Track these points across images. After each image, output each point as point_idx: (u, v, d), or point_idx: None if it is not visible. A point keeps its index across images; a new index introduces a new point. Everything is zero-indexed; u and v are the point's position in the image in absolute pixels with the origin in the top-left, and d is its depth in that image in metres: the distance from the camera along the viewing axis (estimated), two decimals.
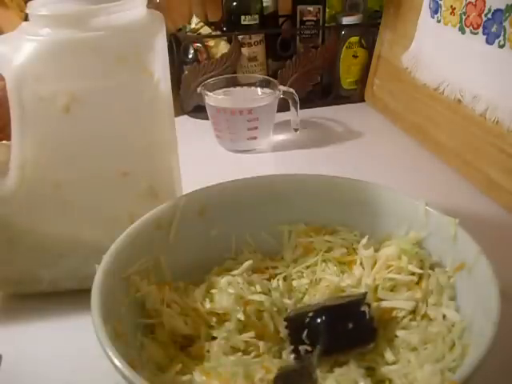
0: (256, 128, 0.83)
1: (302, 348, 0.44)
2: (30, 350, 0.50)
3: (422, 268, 0.49)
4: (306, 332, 0.44)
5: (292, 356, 0.45)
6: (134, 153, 0.52)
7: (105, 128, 0.50)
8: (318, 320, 0.44)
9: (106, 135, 0.51)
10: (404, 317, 0.47)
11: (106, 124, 0.50)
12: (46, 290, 0.55)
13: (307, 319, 0.44)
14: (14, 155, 0.50)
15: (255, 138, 0.84)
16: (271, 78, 0.87)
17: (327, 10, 0.98)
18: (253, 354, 0.45)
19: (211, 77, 0.92)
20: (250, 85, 0.87)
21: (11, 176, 0.50)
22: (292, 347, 0.45)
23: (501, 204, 0.67)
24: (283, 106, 0.87)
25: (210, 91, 0.84)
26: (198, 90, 0.84)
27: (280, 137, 0.88)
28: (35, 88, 0.47)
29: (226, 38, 0.95)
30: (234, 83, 0.88)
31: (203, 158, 0.83)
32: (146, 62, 0.50)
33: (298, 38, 1.00)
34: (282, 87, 0.85)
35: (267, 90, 0.85)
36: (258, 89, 0.87)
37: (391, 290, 0.49)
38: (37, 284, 0.55)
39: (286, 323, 0.46)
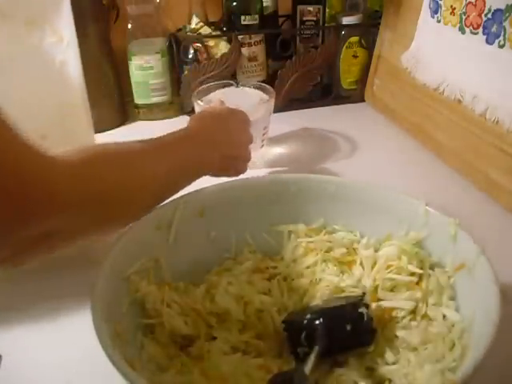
0: (266, 136, 0.80)
1: (300, 350, 0.44)
2: (30, 350, 0.50)
3: (422, 268, 0.49)
4: (304, 334, 0.44)
5: (292, 357, 0.45)
6: (48, 116, 0.52)
7: (19, 92, 0.50)
8: (316, 322, 0.44)
9: (21, 99, 0.50)
10: (404, 317, 0.47)
11: (20, 88, 0.50)
12: None
13: (305, 321, 0.44)
14: None
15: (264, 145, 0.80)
16: (267, 86, 0.82)
17: (327, 10, 0.98)
18: (253, 354, 0.45)
19: (211, 77, 0.92)
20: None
21: None
22: (291, 349, 0.45)
23: (501, 204, 0.67)
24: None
25: (207, 94, 0.80)
26: (193, 96, 0.79)
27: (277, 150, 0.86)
28: None
29: (225, 37, 0.94)
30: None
31: None
32: (55, 26, 0.50)
33: (297, 38, 1.00)
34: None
35: (263, 97, 0.80)
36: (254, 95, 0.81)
37: (391, 290, 0.49)
38: None
39: (284, 325, 0.46)
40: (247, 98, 0.80)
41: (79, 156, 0.42)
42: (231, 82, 0.85)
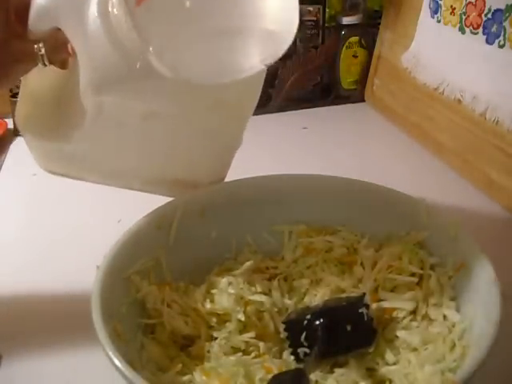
0: None
1: (300, 350, 0.44)
2: (30, 350, 0.50)
3: (422, 268, 0.49)
4: (304, 335, 0.44)
5: (292, 357, 0.45)
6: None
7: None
8: (316, 322, 0.44)
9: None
10: (404, 317, 0.47)
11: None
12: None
13: (305, 322, 0.44)
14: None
15: None
16: None
17: (327, 10, 0.98)
18: (253, 355, 0.45)
19: None
20: None
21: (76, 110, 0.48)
22: (291, 350, 0.45)
23: (501, 204, 0.67)
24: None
25: None
26: None
27: None
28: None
29: None
30: None
31: None
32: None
33: (297, 38, 1.00)
34: None
35: None
36: None
37: (392, 291, 0.49)
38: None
39: (284, 326, 0.46)
40: None
41: None
42: None
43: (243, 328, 0.47)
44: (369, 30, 0.98)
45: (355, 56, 0.98)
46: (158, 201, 0.52)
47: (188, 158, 0.54)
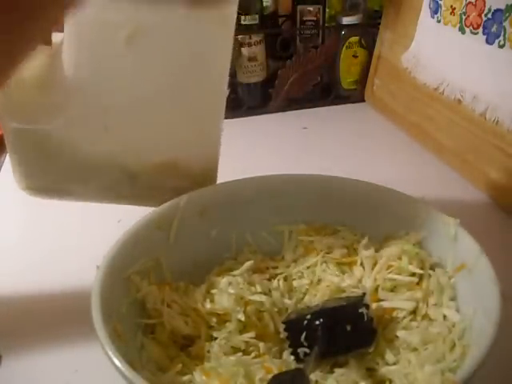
0: None
1: (300, 350, 0.44)
2: (29, 350, 0.50)
3: (422, 268, 0.49)
4: (304, 335, 0.44)
5: (292, 357, 0.45)
6: (184, 101, 0.51)
7: (163, 63, 0.49)
8: (316, 322, 0.44)
9: (163, 70, 0.49)
10: (404, 317, 0.47)
11: (165, 60, 0.49)
12: (74, 200, 0.56)
13: (305, 322, 0.44)
14: (65, 76, 0.48)
15: None
16: None
17: (327, 10, 0.98)
18: (253, 355, 0.45)
19: None
20: None
21: (59, 92, 0.49)
22: (291, 350, 0.45)
23: (501, 204, 0.67)
24: None
25: None
26: None
27: None
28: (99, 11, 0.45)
29: None
30: None
31: None
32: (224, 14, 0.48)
33: (297, 37, 1.00)
34: None
35: None
36: None
37: (392, 291, 0.49)
38: (67, 195, 0.56)
39: (284, 326, 0.46)
40: None
41: None
42: None
43: (243, 328, 0.47)
44: (369, 29, 0.98)
45: (355, 56, 0.98)
46: None
47: (173, 127, 0.53)
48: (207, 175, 0.56)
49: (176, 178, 0.55)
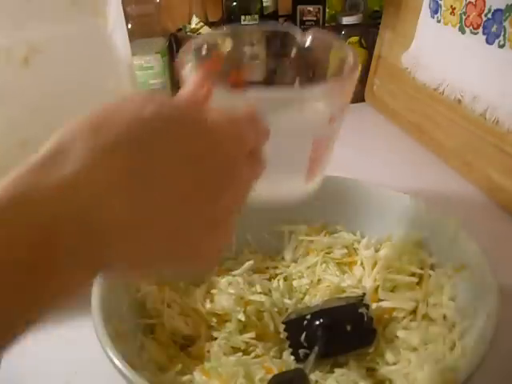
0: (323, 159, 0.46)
1: (300, 350, 0.44)
2: (30, 350, 0.50)
3: (422, 268, 0.49)
4: (304, 335, 0.44)
5: (292, 357, 0.45)
6: (95, 102, 0.51)
7: (66, 78, 0.48)
8: (316, 322, 0.44)
9: (68, 86, 0.49)
10: (404, 317, 0.47)
11: (67, 74, 0.48)
12: None
13: (305, 322, 0.44)
14: None
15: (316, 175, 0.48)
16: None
17: (327, 10, 0.98)
18: (253, 355, 0.45)
19: None
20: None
21: None
22: (291, 350, 0.45)
23: (501, 204, 0.67)
24: None
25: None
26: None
27: None
28: None
29: None
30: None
31: None
32: (99, 5, 0.48)
33: None
34: None
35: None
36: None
37: (391, 291, 0.49)
38: None
39: (284, 326, 0.46)
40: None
41: None
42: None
43: (243, 328, 0.47)
44: (369, 29, 0.97)
45: None
46: None
47: None
48: None
49: None
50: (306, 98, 0.37)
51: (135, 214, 0.24)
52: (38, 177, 0.23)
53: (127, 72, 0.54)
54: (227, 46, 0.38)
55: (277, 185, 0.39)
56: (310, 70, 0.39)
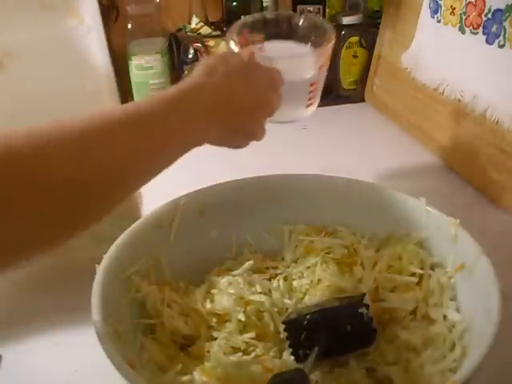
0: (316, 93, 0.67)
1: (300, 350, 0.44)
2: (29, 350, 0.50)
3: (422, 268, 0.49)
4: (304, 335, 0.44)
5: (292, 357, 0.45)
6: (73, 103, 0.50)
7: (42, 81, 0.48)
8: (316, 323, 0.44)
9: (45, 89, 0.48)
10: (404, 317, 0.47)
11: (43, 77, 0.48)
12: None
13: (305, 322, 0.44)
14: None
15: (313, 103, 0.68)
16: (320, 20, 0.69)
17: (327, 10, 0.98)
18: (253, 355, 0.45)
19: None
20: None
21: None
22: (291, 350, 0.45)
23: (501, 204, 0.67)
24: None
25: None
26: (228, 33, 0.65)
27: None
28: None
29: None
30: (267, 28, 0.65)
31: (202, 158, 0.82)
32: (75, 8, 0.48)
33: None
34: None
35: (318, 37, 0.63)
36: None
37: (392, 291, 0.49)
38: None
39: (284, 326, 0.46)
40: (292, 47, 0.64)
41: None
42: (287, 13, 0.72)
43: (243, 328, 0.47)
44: (369, 29, 0.97)
45: (355, 56, 0.98)
46: (158, 200, 0.52)
47: None
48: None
49: None
50: (306, 54, 0.61)
51: (231, 99, 0.47)
52: (205, 79, 0.46)
53: (106, 73, 0.54)
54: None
55: (287, 111, 0.60)
56: (304, 39, 0.61)
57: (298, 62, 0.62)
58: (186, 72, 0.94)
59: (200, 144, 0.45)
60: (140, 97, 0.96)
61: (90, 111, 0.37)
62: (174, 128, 0.42)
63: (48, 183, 0.32)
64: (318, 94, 0.66)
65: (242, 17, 0.92)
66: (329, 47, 0.61)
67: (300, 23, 0.64)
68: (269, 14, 0.66)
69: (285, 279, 0.52)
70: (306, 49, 0.63)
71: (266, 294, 0.50)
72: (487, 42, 0.69)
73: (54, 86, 0.49)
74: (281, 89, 0.52)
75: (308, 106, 0.66)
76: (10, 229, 0.31)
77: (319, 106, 0.98)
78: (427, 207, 0.50)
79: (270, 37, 0.63)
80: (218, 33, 0.96)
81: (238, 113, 0.48)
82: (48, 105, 0.48)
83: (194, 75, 0.47)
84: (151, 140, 0.40)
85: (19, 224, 0.31)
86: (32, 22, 0.47)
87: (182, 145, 0.43)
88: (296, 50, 0.63)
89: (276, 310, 0.48)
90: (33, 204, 0.31)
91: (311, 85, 0.63)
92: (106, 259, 0.45)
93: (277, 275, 0.53)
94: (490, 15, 0.68)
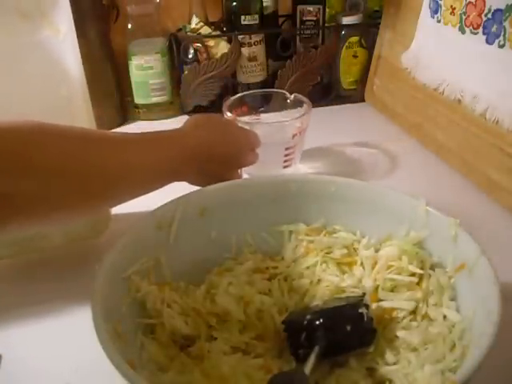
0: (292, 157, 0.75)
1: (300, 350, 0.44)
2: (29, 350, 0.50)
3: (422, 268, 0.49)
4: (304, 335, 0.44)
5: (292, 357, 0.45)
6: (46, 110, 0.51)
7: (14, 86, 0.49)
8: (316, 323, 0.44)
9: (16, 93, 0.50)
10: (404, 317, 0.47)
11: (15, 82, 0.49)
12: None
13: (305, 322, 0.44)
14: None
15: (290, 165, 0.76)
16: (304, 98, 0.77)
17: (327, 10, 0.98)
18: (253, 355, 0.45)
19: (211, 77, 0.92)
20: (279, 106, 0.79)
21: None
22: (291, 350, 0.45)
23: (501, 204, 0.67)
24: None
25: (232, 110, 0.74)
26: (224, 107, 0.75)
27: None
28: None
29: (225, 37, 0.94)
30: (262, 102, 0.81)
31: None
32: (51, 18, 0.50)
33: (297, 37, 1.00)
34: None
35: (299, 111, 0.75)
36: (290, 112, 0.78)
37: (392, 291, 0.49)
38: None
39: (284, 326, 0.46)
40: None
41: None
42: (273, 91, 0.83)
43: (243, 328, 0.47)
44: (369, 30, 0.97)
45: (355, 56, 0.98)
46: (158, 201, 0.52)
47: None
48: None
49: None
50: (282, 122, 0.73)
51: (210, 147, 0.58)
52: (189, 132, 0.59)
53: (79, 79, 0.55)
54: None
55: (265, 169, 0.68)
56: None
57: (274, 128, 0.73)
58: (185, 72, 0.95)
59: (179, 179, 0.57)
60: (140, 97, 0.96)
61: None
62: (149, 153, 0.53)
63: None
64: (296, 156, 0.76)
65: (242, 17, 0.92)
66: (304, 118, 0.73)
67: (288, 100, 0.78)
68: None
69: (285, 279, 0.52)
70: (284, 118, 0.75)
71: (265, 294, 0.50)
72: (487, 42, 0.69)
73: (30, 92, 0.50)
74: (257, 149, 0.62)
75: (285, 167, 0.75)
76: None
77: (319, 106, 0.98)
78: (427, 207, 0.50)
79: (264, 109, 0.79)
80: (218, 33, 0.96)
81: (215, 159, 0.58)
82: (26, 108, 0.49)
83: (183, 126, 0.59)
84: (150, 158, 0.53)
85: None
86: (10, 31, 0.48)
87: (159, 172, 0.54)
88: (276, 119, 0.77)
89: (276, 310, 0.48)
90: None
91: (286, 149, 0.74)
92: (106, 259, 0.45)
93: (277, 275, 0.53)
94: (490, 15, 0.68)
